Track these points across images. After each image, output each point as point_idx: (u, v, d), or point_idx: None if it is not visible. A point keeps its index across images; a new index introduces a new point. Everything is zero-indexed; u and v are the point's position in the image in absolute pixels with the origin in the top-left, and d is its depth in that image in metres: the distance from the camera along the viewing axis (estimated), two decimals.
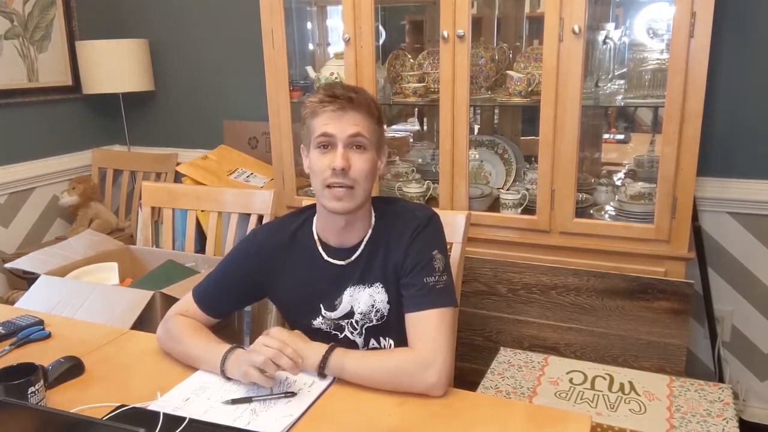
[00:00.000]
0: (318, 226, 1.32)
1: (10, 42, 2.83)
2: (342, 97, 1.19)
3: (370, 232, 1.29)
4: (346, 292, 1.29)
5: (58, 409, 1.09)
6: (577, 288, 1.94)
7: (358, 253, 1.29)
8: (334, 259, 1.30)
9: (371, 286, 1.29)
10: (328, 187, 1.20)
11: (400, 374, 1.14)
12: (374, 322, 1.30)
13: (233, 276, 1.34)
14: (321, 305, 1.31)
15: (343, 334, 1.32)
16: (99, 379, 1.23)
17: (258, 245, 1.33)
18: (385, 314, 1.29)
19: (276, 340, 1.14)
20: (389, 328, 1.30)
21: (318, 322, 1.32)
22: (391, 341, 1.32)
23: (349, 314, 1.31)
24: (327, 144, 1.20)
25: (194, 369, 1.24)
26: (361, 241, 1.29)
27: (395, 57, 2.52)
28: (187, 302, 1.35)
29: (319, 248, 1.31)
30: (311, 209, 1.35)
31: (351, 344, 1.32)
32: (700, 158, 1.81)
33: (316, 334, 1.29)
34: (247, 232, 1.96)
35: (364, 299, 1.29)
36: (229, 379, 1.19)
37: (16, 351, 1.35)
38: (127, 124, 3.18)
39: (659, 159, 1.86)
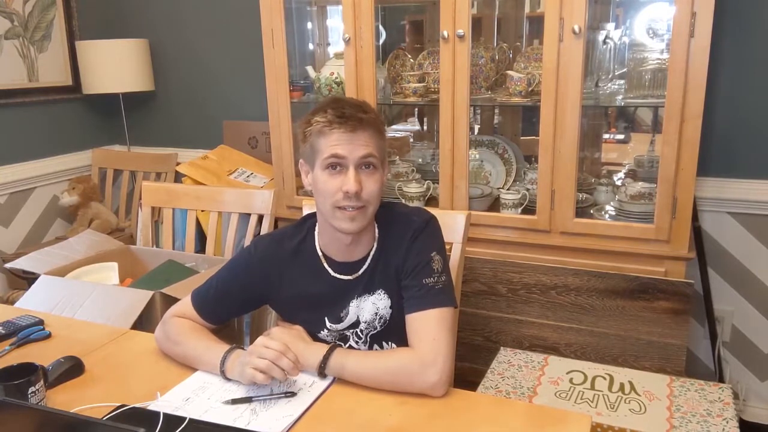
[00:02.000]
0: (321, 242, 1.31)
1: (10, 42, 2.83)
2: (352, 117, 1.17)
3: (375, 246, 1.29)
4: (351, 304, 1.29)
5: (58, 409, 1.09)
6: (577, 288, 1.94)
7: (364, 268, 1.28)
8: (340, 274, 1.29)
9: (374, 293, 1.29)
10: (339, 208, 1.19)
11: (400, 374, 1.13)
12: (378, 329, 1.30)
13: (233, 286, 1.33)
14: (326, 318, 1.31)
15: (347, 344, 1.32)
16: (99, 379, 1.23)
17: (260, 257, 1.32)
18: (388, 319, 1.29)
19: (277, 342, 1.13)
20: (392, 332, 1.30)
21: (323, 334, 1.32)
22: (394, 345, 1.31)
23: (355, 324, 1.30)
24: (336, 165, 1.18)
25: (194, 369, 1.24)
26: (367, 255, 1.28)
27: (395, 57, 2.52)
28: (185, 306, 1.35)
29: (324, 264, 1.30)
30: (311, 220, 1.34)
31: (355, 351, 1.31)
32: (700, 158, 1.81)
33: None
34: (247, 233, 1.96)
35: (368, 308, 1.29)
36: (228, 379, 1.19)
37: (16, 351, 1.35)
38: (127, 124, 3.17)
39: (659, 159, 1.86)
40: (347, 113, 1.17)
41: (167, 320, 1.32)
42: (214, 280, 1.35)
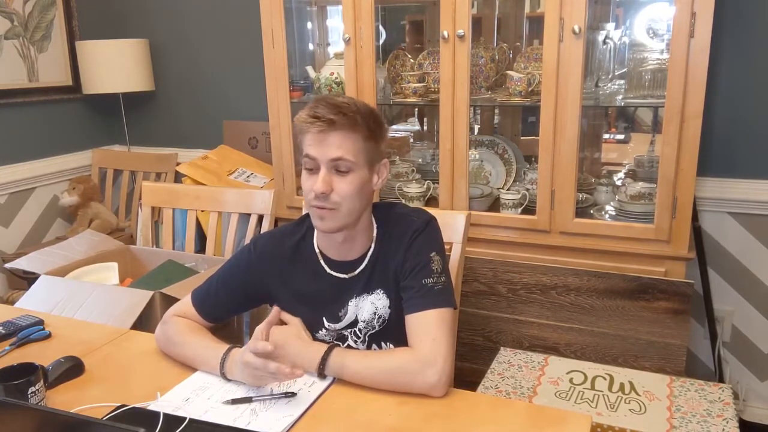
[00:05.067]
0: (318, 240, 1.31)
1: (10, 42, 2.83)
2: (323, 118, 1.14)
3: (373, 246, 1.29)
4: (350, 304, 1.29)
5: (58, 409, 1.09)
6: (577, 288, 1.94)
7: (362, 267, 1.28)
8: (337, 272, 1.29)
9: (372, 293, 1.29)
10: (313, 207, 1.20)
11: (400, 374, 1.13)
12: (376, 328, 1.30)
13: (233, 284, 1.34)
14: (324, 318, 1.31)
15: (345, 344, 1.32)
16: (99, 379, 1.23)
17: (258, 255, 1.32)
18: (387, 319, 1.29)
19: (263, 344, 1.11)
20: (390, 333, 1.30)
21: (321, 333, 1.32)
22: (392, 345, 1.31)
23: (353, 324, 1.30)
24: (311, 166, 1.19)
25: (194, 369, 1.24)
26: (365, 255, 1.28)
27: (395, 57, 2.52)
28: (185, 305, 1.35)
29: (322, 262, 1.30)
30: (310, 218, 1.34)
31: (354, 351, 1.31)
32: (700, 158, 1.81)
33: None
34: (247, 233, 1.96)
35: (367, 307, 1.29)
36: (229, 380, 1.19)
37: (16, 351, 1.35)
38: (127, 124, 3.18)
39: (659, 159, 1.86)
40: (319, 113, 1.15)
41: (167, 320, 1.33)
42: (214, 279, 1.36)
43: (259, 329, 1.16)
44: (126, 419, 1.07)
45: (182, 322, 1.31)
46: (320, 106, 1.16)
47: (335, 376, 1.18)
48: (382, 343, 1.32)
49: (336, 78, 2.32)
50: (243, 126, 2.89)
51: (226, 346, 1.22)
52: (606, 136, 2.48)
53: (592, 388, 1.62)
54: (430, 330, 1.17)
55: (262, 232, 1.77)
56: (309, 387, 1.16)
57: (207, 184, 2.54)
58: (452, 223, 1.52)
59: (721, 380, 2.24)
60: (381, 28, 2.60)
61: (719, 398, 1.55)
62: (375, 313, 1.28)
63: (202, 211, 2.12)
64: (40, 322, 1.45)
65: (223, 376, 1.19)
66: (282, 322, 1.29)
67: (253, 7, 2.29)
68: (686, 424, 1.44)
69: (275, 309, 1.23)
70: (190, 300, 1.35)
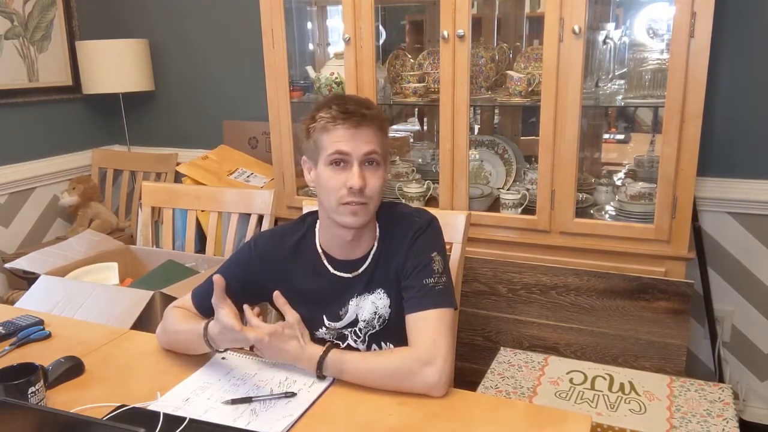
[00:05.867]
0: (322, 239, 1.31)
1: (10, 42, 2.83)
2: (356, 113, 1.18)
3: (375, 245, 1.29)
4: (351, 303, 1.29)
5: (58, 409, 1.09)
6: (577, 288, 1.94)
7: (365, 266, 1.28)
8: (340, 272, 1.29)
9: (373, 292, 1.29)
10: (343, 204, 1.20)
11: (399, 374, 1.13)
12: (377, 328, 1.30)
13: (233, 281, 1.32)
14: (324, 316, 1.31)
15: (345, 343, 1.32)
16: (99, 379, 1.23)
17: (258, 254, 1.33)
18: (387, 319, 1.29)
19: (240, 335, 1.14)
20: (390, 332, 1.30)
21: (321, 332, 1.32)
22: (391, 345, 1.31)
23: (354, 323, 1.31)
24: (341, 161, 1.19)
25: (194, 369, 1.24)
26: (368, 254, 1.29)
27: (395, 57, 2.52)
28: (184, 302, 1.36)
29: (324, 261, 1.30)
30: (312, 217, 1.34)
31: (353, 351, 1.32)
32: (700, 158, 1.81)
33: (318, 344, 1.28)
34: (247, 233, 1.96)
35: (368, 307, 1.29)
36: (217, 350, 1.22)
37: (16, 351, 1.35)
38: (127, 124, 3.18)
39: (659, 159, 1.86)
40: (351, 109, 1.18)
41: (165, 315, 1.34)
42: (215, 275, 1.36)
43: (216, 303, 1.18)
44: (126, 419, 1.07)
45: (176, 313, 1.32)
46: (349, 103, 1.20)
47: (334, 377, 1.18)
48: (382, 343, 1.32)
49: (336, 78, 2.32)
50: (243, 126, 2.89)
51: (202, 324, 1.23)
52: (606, 136, 2.48)
53: (592, 388, 1.62)
54: (430, 330, 1.17)
55: (261, 231, 1.77)
56: (309, 387, 1.16)
57: (207, 184, 2.54)
58: (452, 223, 1.52)
59: (721, 380, 2.24)
60: (381, 28, 2.60)
61: (719, 398, 1.55)
62: (375, 313, 1.29)
63: (202, 211, 2.13)
64: (40, 322, 1.45)
65: (217, 351, 1.23)
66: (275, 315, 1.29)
67: (253, 7, 2.29)
68: (686, 424, 1.44)
69: (217, 277, 1.19)
70: (190, 297, 1.35)
